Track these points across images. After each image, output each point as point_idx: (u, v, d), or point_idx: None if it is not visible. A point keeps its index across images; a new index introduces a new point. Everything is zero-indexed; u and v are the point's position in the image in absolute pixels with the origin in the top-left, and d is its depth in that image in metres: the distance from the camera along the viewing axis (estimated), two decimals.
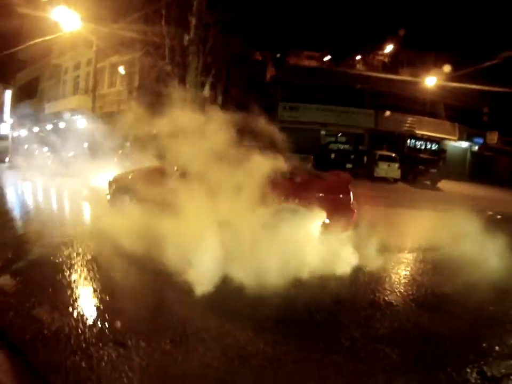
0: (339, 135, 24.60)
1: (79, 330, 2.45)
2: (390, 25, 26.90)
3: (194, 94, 15.73)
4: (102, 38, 17.96)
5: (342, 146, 20.91)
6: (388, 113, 22.45)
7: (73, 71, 25.36)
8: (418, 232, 6.86)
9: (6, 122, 24.73)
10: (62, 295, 3.02)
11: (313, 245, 4.16)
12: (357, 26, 27.31)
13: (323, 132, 24.35)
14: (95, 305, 2.92)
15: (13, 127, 23.60)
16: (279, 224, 4.23)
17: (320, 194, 4.51)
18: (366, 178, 16.49)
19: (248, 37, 18.97)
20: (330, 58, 27.82)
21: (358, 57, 27.56)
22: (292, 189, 4.60)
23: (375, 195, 12.15)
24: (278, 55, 27.22)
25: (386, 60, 27.47)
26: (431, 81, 17.87)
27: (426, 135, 23.82)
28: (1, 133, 21.74)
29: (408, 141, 24.23)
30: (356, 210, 4.78)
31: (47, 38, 16.14)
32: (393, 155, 17.01)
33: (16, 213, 6.75)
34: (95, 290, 3.22)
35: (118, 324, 2.57)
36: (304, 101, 23.24)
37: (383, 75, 21.70)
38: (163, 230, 3.82)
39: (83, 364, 2.07)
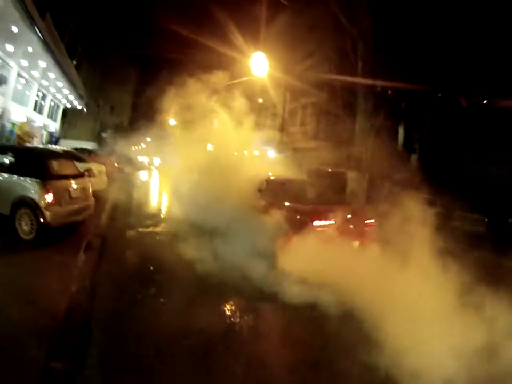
0: None
1: None
2: None
3: (361, 136, 16.08)
4: (291, 81, 20.75)
5: None
6: None
7: (272, 108, 30.02)
8: None
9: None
10: None
11: None
12: None
13: None
14: None
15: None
16: None
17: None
18: None
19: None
20: None
21: None
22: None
23: None
24: (485, 102, 23.74)
25: None
26: None
27: None
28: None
29: None
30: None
31: (244, 79, 19.69)
32: None
33: None
34: None
35: None
36: None
37: None
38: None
39: None
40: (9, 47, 14.42)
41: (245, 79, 19.93)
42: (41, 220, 5.35)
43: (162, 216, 9.83)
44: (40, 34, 13.73)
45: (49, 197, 5.47)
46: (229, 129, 11.85)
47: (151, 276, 5.01)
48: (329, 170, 16.96)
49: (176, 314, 3.82)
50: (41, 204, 5.38)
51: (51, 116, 26.30)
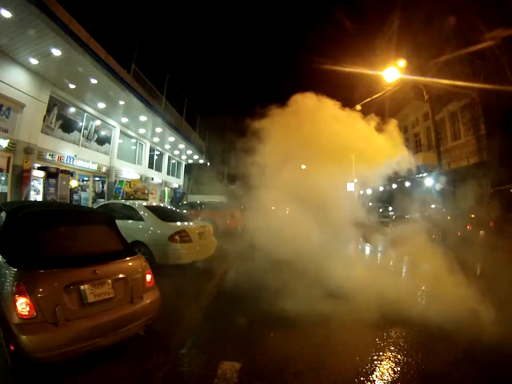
0: None
1: None
2: None
3: None
4: (431, 86, 15.31)
5: None
6: None
7: (411, 128, 23.79)
8: None
9: (353, 182, 26.71)
10: None
11: None
12: None
13: None
14: None
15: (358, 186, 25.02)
16: None
17: None
18: None
19: None
20: None
21: None
22: None
23: None
24: None
25: None
26: None
27: None
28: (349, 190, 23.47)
29: None
30: None
31: (376, 96, 15.37)
32: None
33: None
34: None
35: None
36: None
37: None
38: None
39: None
40: (101, 105, 14.36)
41: (378, 95, 15.99)
42: (12, 347, 2.49)
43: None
44: (127, 84, 13.10)
45: (22, 307, 2.49)
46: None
47: None
48: None
49: None
50: (12, 319, 2.47)
51: (172, 172, 27.13)
